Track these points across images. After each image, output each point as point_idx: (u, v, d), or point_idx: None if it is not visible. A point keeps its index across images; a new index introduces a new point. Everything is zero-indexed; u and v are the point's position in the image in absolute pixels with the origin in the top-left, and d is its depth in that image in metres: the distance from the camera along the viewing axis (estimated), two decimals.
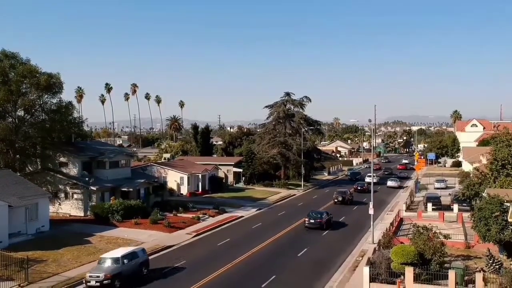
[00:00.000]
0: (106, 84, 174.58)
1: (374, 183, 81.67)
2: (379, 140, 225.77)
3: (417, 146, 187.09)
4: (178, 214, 49.43)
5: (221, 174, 78.17)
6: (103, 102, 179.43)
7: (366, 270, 26.89)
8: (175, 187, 66.50)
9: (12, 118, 47.35)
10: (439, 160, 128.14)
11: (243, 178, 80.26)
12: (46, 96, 48.54)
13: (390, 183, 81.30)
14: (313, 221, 45.53)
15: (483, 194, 41.41)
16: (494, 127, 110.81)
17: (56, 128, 48.22)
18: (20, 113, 47.95)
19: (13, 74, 46.63)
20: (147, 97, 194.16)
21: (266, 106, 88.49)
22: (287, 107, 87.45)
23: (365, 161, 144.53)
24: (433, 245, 28.33)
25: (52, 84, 47.85)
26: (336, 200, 61.44)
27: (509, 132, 52.19)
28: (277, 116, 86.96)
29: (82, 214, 48.06)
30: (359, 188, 73.80)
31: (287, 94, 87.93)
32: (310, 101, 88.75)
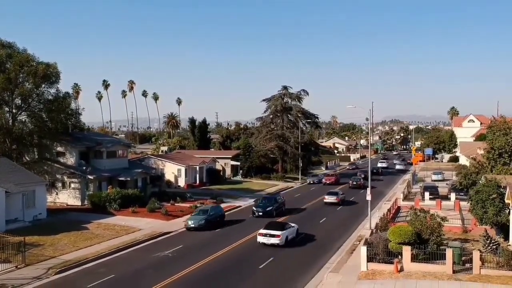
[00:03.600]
0: (104, 80, 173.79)
1: (383, 168, 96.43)
2: (376, 138, 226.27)
3: (414, 143, 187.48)
4: (176, 204, 49.45)
5: (218, 167, 78.13)
6: (100, 99, 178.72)
7: (363, 250, 26.87)
8: (172, 179, 66.42)
9: (9, 107, 47.22)
10: (436, 155, 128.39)
11: (241, 171, 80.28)
12: (43, 85, 48.37)
13: (398, 166, 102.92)
14: (355, 183, 68.27)
15: (480, 181, 41.45)
16: (491, 122, 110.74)
17: (54, 118, 48.12)
18: (17, 102, 47.78)
19: (10, 63, 46.47)
20: (145, 94, 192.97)
21: (264, 100, 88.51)
22: (284, 101, 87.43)
23: (363, 157, 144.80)
24: (430, 225, 28.23)
25: (49, 74, 47.70)
26: (358, 178, 74.72)
27: (506, 121, 52.27)
28: (274, 110, 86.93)
29: (80, 204, 48.04)
30: None
31: (285, 87, 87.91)
32: (308, 95, 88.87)
